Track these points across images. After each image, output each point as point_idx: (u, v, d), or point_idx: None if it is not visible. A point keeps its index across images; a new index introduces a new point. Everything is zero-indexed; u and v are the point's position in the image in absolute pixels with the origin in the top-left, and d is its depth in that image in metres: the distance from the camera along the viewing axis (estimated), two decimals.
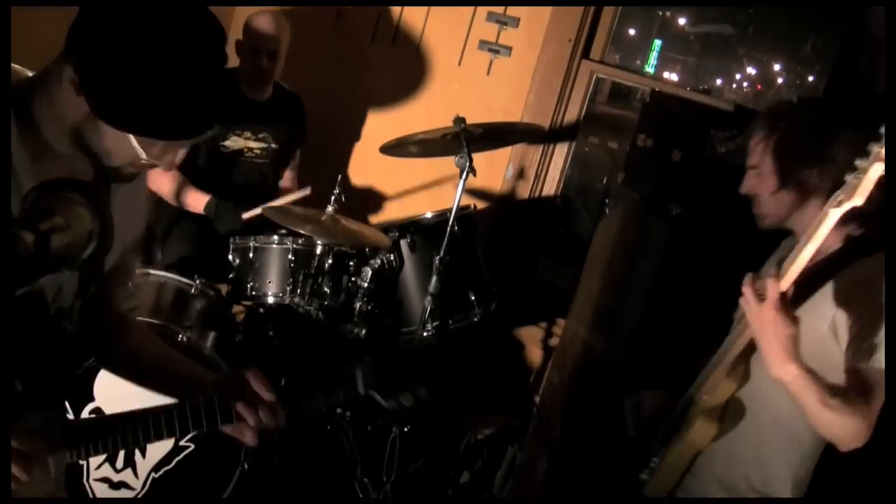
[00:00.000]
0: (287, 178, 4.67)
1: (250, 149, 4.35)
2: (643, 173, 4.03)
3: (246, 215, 4.10)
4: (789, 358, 2.22)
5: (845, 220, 2.16)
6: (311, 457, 3.89)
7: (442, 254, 3.65)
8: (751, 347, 2.46)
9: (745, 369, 2.58)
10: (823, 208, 2.13)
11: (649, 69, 8.40)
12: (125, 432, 1.89)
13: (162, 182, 4.10)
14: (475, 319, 3.94)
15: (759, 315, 2.24)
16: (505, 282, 4.40)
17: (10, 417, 0.95)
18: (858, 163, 2.03)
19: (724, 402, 2.62)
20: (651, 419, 2.91)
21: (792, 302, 2.26)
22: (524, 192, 4.90)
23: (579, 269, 4.45)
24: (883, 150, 1.97)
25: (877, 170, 2.00)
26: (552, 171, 4.95)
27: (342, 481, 3.79)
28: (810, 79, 8.17)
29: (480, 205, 4.62)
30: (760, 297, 2.24)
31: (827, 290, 2.43)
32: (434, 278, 3.65)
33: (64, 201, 1.14)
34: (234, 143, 4.28)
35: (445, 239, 3.66)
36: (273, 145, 4.41)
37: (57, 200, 1.14)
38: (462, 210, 3.80)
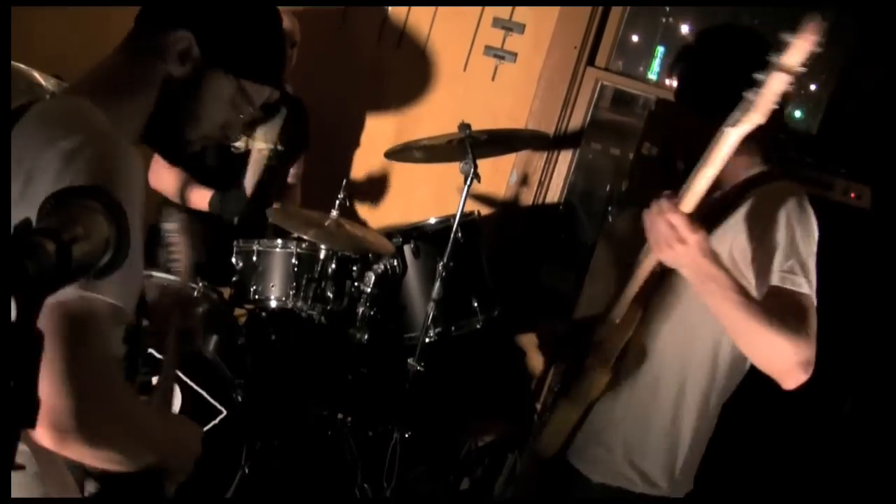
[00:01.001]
0: (292, 176, 4.66)
1: (259, 150, 4.35)
2: (647, 182, 4.03)
3: (248, 187, 4.12)
4: (714, 265, 2.08)
5: (745, 147, 2.03)
6: (311, 461, 3.89)
7: (445, 260, 3.65)
8: (647, 284, 2.36)
9: (643, 314, 2.45)
10: (720, 128, 1.98)
11: (652, 76, 8.40)
12: None
13: (166, 180, 4.09)
14: (478, 326, 3.94)
15: (667, 241, 2.08)
16: (508, 288, 4.40)
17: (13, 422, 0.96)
18: (757, 76, 1.86)
19: (622, 348, 2.46)
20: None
21: None
22: (528, 198, 4.89)
23: (582, 276, 4.43)
24: (784, 60, 1.82)
25: (777, 81, 1.83)
26: (556, 177, 4.94)
27: (342, 486, 3.79)
28: (813, 88, 8.17)
29: (484, 211, 4.61)
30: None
31: (725, 224, 2.33)
32: (437, 284, 3.65)
33: (83, 209, 1.14)
34: (242, 143, 4.28)
35: (449, 245, 3.67)
36: (279, 147, 4.41)
37: (76, 208, 1.13)
38: (466, 216, 3.81)
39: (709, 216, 2.27)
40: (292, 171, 4.65)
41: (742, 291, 2.09)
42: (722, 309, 2.13)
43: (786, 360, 2.08)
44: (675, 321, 2.44)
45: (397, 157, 3.97)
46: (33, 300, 0.92)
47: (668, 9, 7.83)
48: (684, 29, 8.93)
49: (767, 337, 2.07)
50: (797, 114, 8.71)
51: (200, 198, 4.10)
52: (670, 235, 2.07)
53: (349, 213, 3.89)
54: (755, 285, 2.23)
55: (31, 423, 0.93)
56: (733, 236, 2.31)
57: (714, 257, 2.09)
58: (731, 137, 1.96)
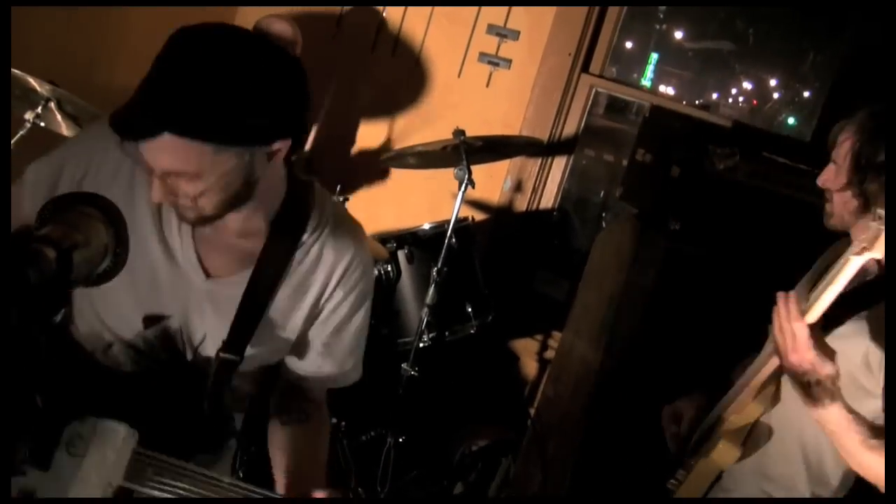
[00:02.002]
0: None
1: None
2: (641, 188, 4.05)
3: None
4: (831, 399, 2.19)
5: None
6: None
7: (439, 265, 3.66)
8: (780, 369, 2.43)
9: (775, 392, 2.55)
10: (845, 254, 2.08)
11: (645, 82, 8.41)
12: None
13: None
14: (472, 331, 3.93)
15: (793, 354, 2.20)
16: (502, 294, 4.40)
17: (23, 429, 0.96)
18: (880, 212, 1.97)
19: (751, 424, 2.59)
20: (689, 430, 2.90)
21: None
22: (522, 204, 4.90)
23: (576, 282, 4.45)
24: None
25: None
26: (550, 183, 4.96)
27: (336, 490, 3.79)
28: (806, 94, 8.18)
29: (478, 217, 4.62)
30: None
31: (858, 323, 2.36)
32: (431, 289, 3.65)
33: (82, 216, 1.14)
34: None
35: (443, 250, 3.67)
36: None
37: (75, 215, 1.14)
38: (460, 222, 3.81)
39: (836, 311, 2.30)
40: None
41: (853, 427, 2.20)
42: (833, 435, 2.26)
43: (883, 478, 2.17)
44: (793, 407, 2.49)
45: (392, 163, 3.99)
46: (34, 307, 0.93)
47: (661, 16, 7.83)
48: (678, 35, 8.95)
49: (870, 459, 2.19)
50: (791, 121, 8.74)
51: None
52: (797, 355, 2.21)
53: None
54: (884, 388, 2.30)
55: (31, 428, 0.93)
56: (870, 339, 2.33)
57: (840, 398, 2.20)
58: (852, 265, 2.08)
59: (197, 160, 1.80)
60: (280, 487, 2.14)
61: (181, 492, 1.85)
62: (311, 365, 2.32)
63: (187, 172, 1.82)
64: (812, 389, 2.20)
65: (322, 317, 2.26)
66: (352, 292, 2.27)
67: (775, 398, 2.55)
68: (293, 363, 2.34)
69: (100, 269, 1.15)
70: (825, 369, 2.16)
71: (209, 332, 2.17)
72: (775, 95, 9.37)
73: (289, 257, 2.14)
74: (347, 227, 2.28)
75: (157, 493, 1.84)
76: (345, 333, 2.32)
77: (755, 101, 9.61)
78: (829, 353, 2.17)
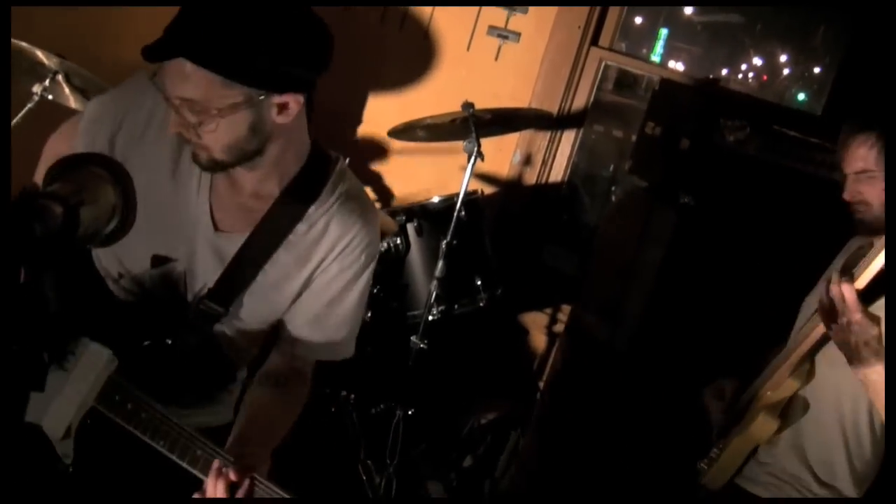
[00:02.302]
0: None
1: None
2: (651, 161, 4.03)
3: None
4: (877, 358, 2.28)
5: None
6: (314, 438, 3.90)
7: (449, 238, 3.65)
8: (816, 346, 2.55)
9: (810, 368, 2.63)
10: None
11: (655, 58, 8.38)
12: (151, 420, 1.98)
13: None
14: (481, 304, 3.94)
15: (840, 317, 2.31)
16: (511, 267, 4.40)
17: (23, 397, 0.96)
18: None
19: (788, 399, 2.67)
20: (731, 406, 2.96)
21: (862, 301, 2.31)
22: (531, 178, 4.89)
23: (584, 256, 4.45)
24: None
25: None
26: (559, 157, 4.94)
27: (345, 463, 3.80)
28: (816, 70, 8.14)
29: (487, 190, 4.61)
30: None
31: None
32: (440, 263, 3.65)
33: (90, 175, 1.14)
34: None
35: (452, 223, 3.67)
36: None
37: (83, 175, 1.14)
38: (469, 195, 3.80)
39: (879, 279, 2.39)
40: None
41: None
42: (877, 395, 2.36)
43: None
44: (836, 376, 2.58)
45: (400, 136, 3.97)
46: (41, 262, 0.93)
47: None
48: (688, 10, 8.91)
49: None
50: (801, 96, 8.71)
51: None
52: (847, 316, 2.32)
53: None
54: None
55: (40, 387, 0.93)
56: None
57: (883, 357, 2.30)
58: None
59: (205, 88, 1.88)
60: (229, 442, 2.18)
61: (132, 428, 1.97)
62: (301, 331, 2.35)
63: (195, 100, 1.89)
64: (860, 350, 2.31)
65: (315, 288, 2.30)
66: (348, 269, 2.30)
67: (811, 374, 2.64)
68: (285, 325, 2.38)
69: (107, 229, 1.16)
70: (873, 329, 2.27)
71: (208, 283, 2.23)
72: (785, 71, 9.33)
73: (292, 225, 2.20)
74: (359, 206, 2.32)
75: (116, 419, 1.96)
76: (337, 308, 2.33)
77: (765, 77, 9.57)
78: (873, 317, 2.28)
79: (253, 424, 2.26)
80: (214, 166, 2.04)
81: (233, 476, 1.94)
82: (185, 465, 2.00)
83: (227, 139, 1.96)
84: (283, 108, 2.01)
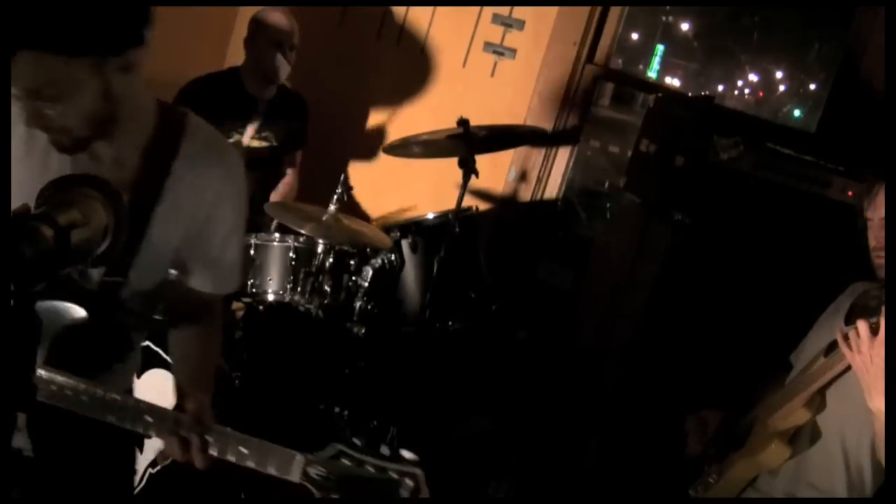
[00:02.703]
0: (289, 174, 4.66)
1: (252, 148, 4.35)
2: (646, 178, 4.03)
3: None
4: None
5: None
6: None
7: (443, 254, 3.65)
8: (833, 379, 2.59)
9: (822, 400, 2.66)
10: None
11: (651, 74, 8.41)
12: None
13: None
14: (475, 320, 3.94)
15: (867, 351, 2.36)
16: (505, 283, 4.40)
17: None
18: None
19: (796, 428, 2.69)
20: (712, 437, 2.98)
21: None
22: (526, 194, 4.90)
23: (579, 272, 4.45)
24: None
25: None
26: (554, 174, 4.95)
27: None
28: (812, 87, 8.17)
29: (482, 206, 4.62)
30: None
31: None
32: (435, 278, 3.65)
33: (81, 196, 1.15)
34: (235, 140, 4.28)
35: (447, 240, 3.67)
36: (274, 144, 4.40)
37: (74, 195, 1.14)
38: (464, 211, 3.81)
39: None
40: (289, 172, 4.64)
41: None
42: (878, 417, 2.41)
43: None
44: (844, 409, 2.63)
45: (396, 151, 3.98)
46: (31, 284, 0.93)
47: (668, 7, 7.82)
48: (684, 27, 8.94)
49: None
50: (796, 112, 8.72)
51: None
52: (872, 349, 2.37)
53: (347, 208, 3.88)
54: None
55: (28, 407, 0.93)
56: None
57: None
58: None
59: (48, 71, 1.84)
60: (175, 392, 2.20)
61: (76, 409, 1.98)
62: (195, 276, 2.38)
63: (44, 87, 1.86)
64: (878, 384, 2.36)
65: (196, 234, 2.30)
66: (223, 208, 2.32)
67: (822, 405, 2.66)
68: (179, 275, 2.39)
69: (99, 249, 1.16)
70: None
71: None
72: (781, 88, 9.36)
73: (161, 183, 2.19)
74: (217, 151, 2.35)
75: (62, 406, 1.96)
76: (222, 246, 2.36)
77: (761, 93, 9.59)
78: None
79: (186, 369, 2.34)
80: (77, 145, 2.01)
81: (187, 431, 1.98)
82: (141, 431, 2.03)
83: (83, 114, 1.94)
84: (129, 67, 1.98)
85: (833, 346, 2.56)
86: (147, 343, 3.28)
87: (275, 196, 4.45)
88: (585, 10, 4.73)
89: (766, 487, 2.76)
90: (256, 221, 3.93)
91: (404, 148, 3.96)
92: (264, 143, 4.37)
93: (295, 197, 4.59)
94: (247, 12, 4.55)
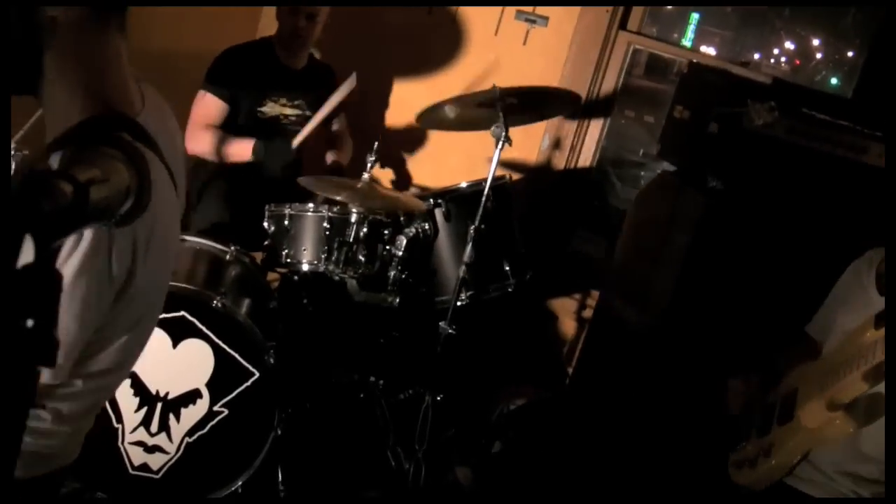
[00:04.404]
0: (336, 125, 4.67)
1: (286, 115, 4.36)
2: (679, 145, 4.02)
3: (296, 142, 4.12)
4: None
5: None
6: (343, 424, 3.92)
7: (477, 223, 3.65)
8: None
9: (878, 371, 2.60)
10: None
11: (686, 42, 8.34)
12: None
13: (203, 140, 4.10)
14: (509, 290, 3.93)
15: None
16: (539, 252, 4.40)
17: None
18: None
19: (853, 400, 2.63)
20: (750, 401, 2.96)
21: None
22: (560, 163, 4.89)
23: (613, 241, 4.44)
24: None
25: None
26: (588, 142, 4.93)
27: (374, 449, 3.81)
28: (850, 54, 8.08)
29: (516, 175, 4.61)
30: None
31: None
32: (469, 248, 3.65)
33: (102, 155, 1.15)
34: (270, 108, 4.30)
35: (480, 208, 3.66)
36: (307, 112, 4.41)
37: (95, 154, 1.15)
38: (497, 180, 3.80)
39: None
40: (335, 123, 4.64)
41: None
42: None
43: None
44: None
45: (428, 117, 3.95)
46: (49, 240, 0.94)
47: None
48: None
49: None
50: (833, 80, 8.63)
51: (242, 148, 4.11)
52: None
53: (381, 178, 3.89)
54: None
55: (51, 362, 0.94)
56: None
57: None
58: None
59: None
60: None
61: None
62: None
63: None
64: None
65: None
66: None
67: (879, 376, 2.59)
68: None
69: (122, 209, 1.17)
70: None
71: None
72: (818, 55, 9.27)
73: None
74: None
75: None
76: None
77: (797, 61, 9.50)
78: None
79: None
80: None
81: None
82: None
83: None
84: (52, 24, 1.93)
85: (882, 318, 2.52)
86: (183, 313, 3.32)
87: (331, 156, 4.48)
88: None
89: (819, 457, 2.73)
90: (298, 190, 3.93)
91: (436, 112, 3.94)
92: (297, 112, 4.39)
93: (349, 150, 4.60)
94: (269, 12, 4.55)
